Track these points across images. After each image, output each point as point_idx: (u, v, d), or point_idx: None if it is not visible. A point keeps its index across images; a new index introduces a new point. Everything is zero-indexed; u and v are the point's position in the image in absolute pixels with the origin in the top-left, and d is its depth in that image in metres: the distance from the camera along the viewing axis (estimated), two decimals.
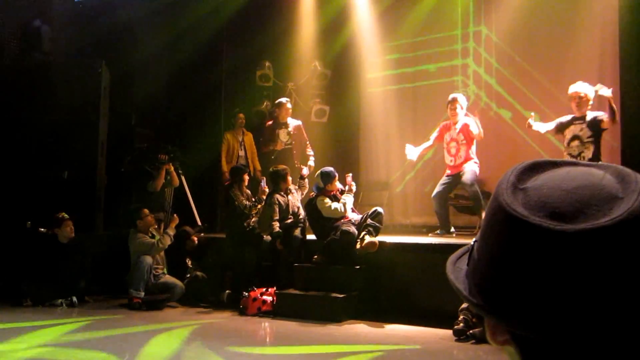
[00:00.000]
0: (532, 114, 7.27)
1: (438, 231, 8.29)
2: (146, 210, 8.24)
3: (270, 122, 9.42)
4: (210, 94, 10.32)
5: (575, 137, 7.02)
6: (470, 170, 7.90)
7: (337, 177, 7.62)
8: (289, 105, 9.28)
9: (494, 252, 0.80)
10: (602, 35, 8.79)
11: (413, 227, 9.74)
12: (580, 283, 0.74)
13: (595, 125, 6.94)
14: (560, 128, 7.18)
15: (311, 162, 8.97)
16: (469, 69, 9.85)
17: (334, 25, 10.40)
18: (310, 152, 9.14)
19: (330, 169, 7.66)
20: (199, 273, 8.21)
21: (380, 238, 7.37)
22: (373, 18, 10.39)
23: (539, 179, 0.83)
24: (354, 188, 7.72)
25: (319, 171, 7.67)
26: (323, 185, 7.52)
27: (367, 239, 7.23)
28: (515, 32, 9.24)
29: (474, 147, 8.03)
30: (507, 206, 0.79)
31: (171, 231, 8.16)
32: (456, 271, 0.90)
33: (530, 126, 7.29)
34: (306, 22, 10.64)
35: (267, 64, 10.38)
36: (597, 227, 0.74)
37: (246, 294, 7.39)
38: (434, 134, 8.25)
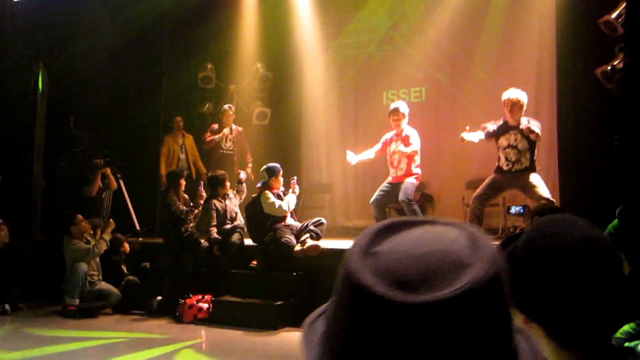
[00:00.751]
0: (467, 127, 7.29)
1: None
2: (79, 216, 8.09)
3: (214, 126, 9.46)
4: (151, 97, 10.19)
5: (511, 146, 7.07)
6: (408, 186, 7.76)
7: (281, 172, 7.62)
8: (231, 112, 9.31)
9: (342, 319, 0.78)
10: (539, 41, 8.95)
11: (355, 230, 9.79)
12: (420, 358, 0.73)
13: (526, 136, 7.03)
14: (493, 135, 7.21)
15: (249, 170, 8.96)
16: (407, 71, 9.92)
17: (277, 27, 10.38)
18: (249, 158, 9.12)
19: (276, 164, 7.68)
20: (132, 278, 8.10)
21: (320, 243, 7.40)
22: (315, 20, 10.38)
23: (391, 242, 0.80)
24: (297, 190, 7.71)
25: (263, 167, 7.66)
26: (268, 179, 7.51)
27: (310, 242, 7.25)
28: (454, 36, 9.34)
29: (417, 159, 7.89)
30: (353, 273, 0.76)
31: (107, 236, 8.04)
32: (311, 333, 0.87)
33: (463, 140, 7.25)
34: (248, 24, 10.58)
35: (210, 65, 10.30)
36: (438, 300, 0.72)
37: (182, 301, 7.35)
38: (377, 146, 8.12)
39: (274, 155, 10.02)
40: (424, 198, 9.46)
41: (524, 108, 7.05)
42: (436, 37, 9.54)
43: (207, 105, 10.38)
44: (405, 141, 7.84)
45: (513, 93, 7.09)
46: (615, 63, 6.31)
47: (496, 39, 9.22)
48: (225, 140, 9.40)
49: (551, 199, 6.96)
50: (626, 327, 1.58)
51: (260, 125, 10.43)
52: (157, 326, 7.16)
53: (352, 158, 8.05)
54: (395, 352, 0.73)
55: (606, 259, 1.23)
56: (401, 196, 7.70)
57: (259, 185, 7.69)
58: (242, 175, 8.38)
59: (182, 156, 9.62)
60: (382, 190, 8.05)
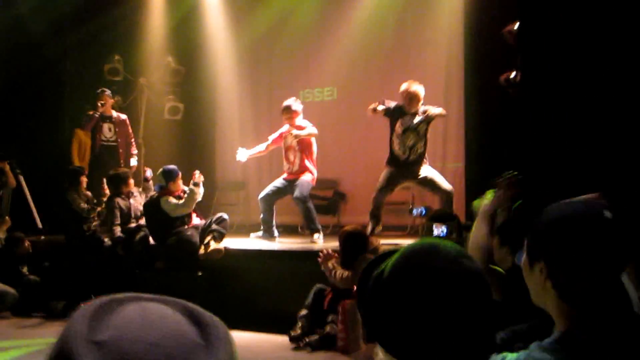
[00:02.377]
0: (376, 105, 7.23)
1: (260, 233, 7.99)
2: None
3: (92, 113, 8.83)
4: (54, 89, 9.74)
5: (410, 129, 7.08)
6: (303, 184, 7.65)
7: (180, 175, 7.35)
8: (110, 97, 8.83)
9: None
10: (448, 45, 9.06)
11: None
12: None
13: (428, 120, 7.08)
14: (390, 113, 7.16)
15: (134, 162, 8.60)
16: (320, 70, 9.86)
17: (188, 20, 10.14)
18: (134, 151, 8.77)
19: (173, 166, 7.39)
20: (32, 277, 7.73)
21: (226, 242, 7.30)
22: (227, 13, 10.19)
23: (115, 327, 0.71)
24: (200, 179, 7.33)
25: (159, 170, 7.39)
26: (166, 184, 7.26)
27: (213, 245, 7.09)
28: (365, 36, 9.33)
29: (313, 155, 7.81)
30: None
31: (2, 234, 7.65)
32: None
33: (374, 111, 7.15)
34: (156, 15, 10.28)
35: (117, 57, 9.91)
36: None
37: (83, 304, 7.03)
38: (270, 139, 8.00)
39: (187, 152, 9.84)
40: (338, 196, 9.45)
41: (421, 102, 7.08)
42: (349, 37, 9.50)
43: (115, 98, 9.99)
44: (298, 135, 7.69)
45: (411, 86, 7.10)
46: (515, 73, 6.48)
47: (407, 40, 9.31)
48: (105, 131, 8.76)
49: (450, 189, 7.03)
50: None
51: (173, 120, 10.16)
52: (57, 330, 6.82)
53: (242, 155, 7.87)
54: None
55: (473, 293, 1.19)
56: (296, 194, 7.60)
57: (155, 189, 7.44)
58: (149, 173, 8.08)
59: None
60: (275, 187, 7.87)
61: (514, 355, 1.45)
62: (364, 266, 1.29)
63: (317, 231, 7.69)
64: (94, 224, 7.78)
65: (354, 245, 5.87)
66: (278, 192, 7.86)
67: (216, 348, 0.71)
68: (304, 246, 7.57)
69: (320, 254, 6.02)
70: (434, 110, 7.11)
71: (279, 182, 7.89)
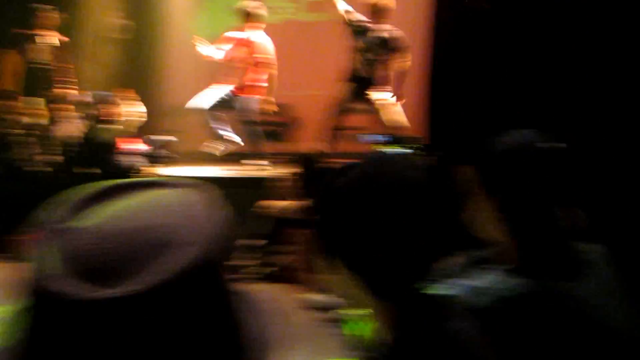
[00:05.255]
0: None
1: (219, 145, 7.57)
2: None
3: (26, 32, 8.07)
4: None
5: (371, 49, 6.66)
6: (250, 102, 7.19)
7: (114, 101, 6.91)
8: (51, 14, 8.05)
9: (24, 317, 0.64)
10: None
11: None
12: None
13: (392, 47, 6.63)
14: (353, 27, 6.70)
15: (72, 85, 8.00)
16: None
17: None
18: (73, 77, 8.15)
19: (107, 92, 7.02)
20: None
21: (175, 169, 7.02)
22: None
23: (94, 215, 0.67)
24: (138, 102, 6.94)
25: (93, 94, 6.93)
26: (99, 110, 6.84)
27: (161, 170, 6.95)
28: None
29: (264, 72, 7.26)
30: (33, 258, 0.64)
31: None
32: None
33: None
34: None
35: None
36: (125, 296, 0.60)
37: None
38: (227, 46, 7.33)
39: (131, 74, 9.21)
40: (291, 121, 9.04)
41: (389, 14, 6.64)
42: None
43: (53, 14, 9.20)
44: (256, 48, 7.13)
45: None
46: None
47: None
48: (40, 52, 8.00)
49: (403, 124, 6.74)
50: None
51: (117, 39, 9.48)
52: None
53: (206, 49, 7.25)
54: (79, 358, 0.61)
55: (423, 204, 1.19)
56: (241, 113, 7.15)
57: (91, 114, 6.98)
58: (87, 97, 7.55)
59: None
60: (222, 99, 7.29)
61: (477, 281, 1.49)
62: (320, 183, 1.30)
63: (264, 157, 7.29)
64: (31, 151, 7.28)
65: (312, 169, 5.77)
66: (223, 105, 7.31)
67: (187, 253, 0.63)
68: (251, 173, 7.26)
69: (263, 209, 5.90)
70: (400, 46, 6.62)
71: (224, 93, 7.29)
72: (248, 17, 7.14)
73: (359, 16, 6.76)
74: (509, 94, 5.26)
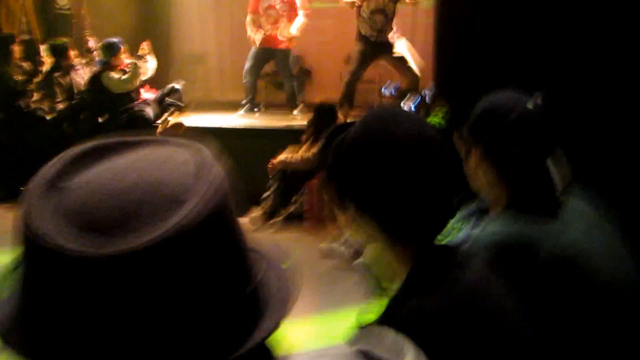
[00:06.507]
0: None
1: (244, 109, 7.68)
2: None
3: None
4: None
5: (379, 11, 6.53)
6: (288, 56, 7.32)
7: (122, 49, 6.73)
8: None
9: (24, 275, 0.63)
10: None
11: (230, 104, 9.09)
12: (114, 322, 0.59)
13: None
14: None
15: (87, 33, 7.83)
16: None
17: None
18: (86, 21, 7.95)
19: (115, 39, 6.75)
20: None
21: (185, 119, 6.87)
22: None
23: (90, 173, 0.64)
24: (148, 51, 6.79)
25: (100, 44, 6.75)
26: (108, 58, 6.65)
27: (172, 120, 6.74)
28: None
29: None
30: (28, 215, 0.61)
31: None
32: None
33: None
34: None
35: None
36: (131, 250, 0.58)
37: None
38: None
39: (139, 21, 8.97)
40: (302, 72, 8.84)
41: None
42: None
43: None
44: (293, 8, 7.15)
45: None
46: None
47: None
48: None
49: (417, 74, 6.63)
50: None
51: None
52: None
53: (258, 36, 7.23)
54: (84, 316, 0.59)
55: (434, 155, 1.23)
56: (282, 69, 7.29)
57: (97, 65, 6.86)
58: (91, 43, 7.38)
59: (24, 19, 8.30)
60: (256, 55, 7.34)
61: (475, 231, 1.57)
62: (329, 132, 1.32)
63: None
64: (33, 99, 7.12)
65: (326, 118, 5.65)
66: (260, 63, 7.44)
67: (191, 207, 0.61)
68: (263, 123, 7.16)
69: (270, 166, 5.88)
70: None
71: (256, 51, 7.34)
72: None
73: None
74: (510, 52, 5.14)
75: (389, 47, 6.64)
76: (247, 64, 7.47)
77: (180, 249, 0.60)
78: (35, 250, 0.61)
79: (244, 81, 7.63)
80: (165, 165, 0.65)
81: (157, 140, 0.71)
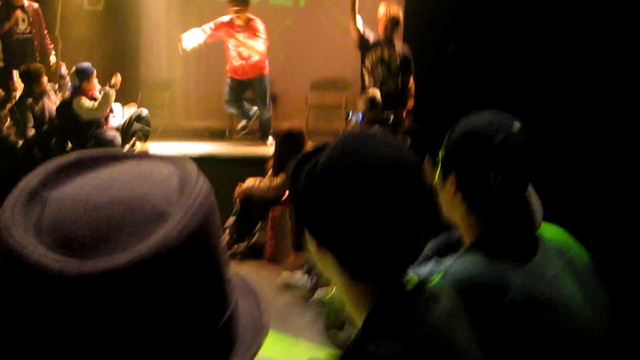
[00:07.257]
0: None
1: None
2: None
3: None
4: None
5: (382, 62, 6.55)
6: (266, 83, 7.45)
7: (94, 74, 6.82)
8: None
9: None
10: None
11: (195, 131, 9.20)
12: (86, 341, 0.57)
13: (405, 63, 6.53)
14: (362, 42, 6.55)
15: (52, 58, 7.89)
16: None
17: None
18: (50, 43, 7.98)
19: (87, 64, 6.83)
20: None
21: (151, 145, 6.97)
22: None
23: (72, 185, 0.63)
24: (117, 82, 6.85)
25: (73, 68, 6.82)
26: (79, 84, 6.73)
27: (138, 145, 6.83)
28: None
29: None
30: (5, 227, 0.59)
31: None
32: None
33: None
34: None
35: None
36: (110, 269, 0.56)
37: None
38: (208, 28, 7.35)
39: (107, 47, 9.07)
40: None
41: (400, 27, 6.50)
42: None
43: None
44: (255, 33, 7.20)
45: (390, 8, 6.48)
46: None
47: None
48: (19, 22, 7.68)
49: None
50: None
51: (92, 11, 9.29)
52: None
53: (189, 42, 7.27)
54: (60, 334, 0.58)
55: (407, 186, 1.13)
56: (260, 98, 7.46)
57: (69, 90, 6.92)
58: (63, 69, 7.44)
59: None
60: (232, 89, 7.48)
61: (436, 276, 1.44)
62: (296, 161, 1.24)
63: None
64: (6, 125, 7.17)
65: (293, 145, 5.45)
66: (238, 93, 7.55)
67: (174, 224, 0.60)
68: (231, 151, 7.32)
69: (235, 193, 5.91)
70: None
71: (232, 81, 7.49)
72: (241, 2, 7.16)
73: (367, 31, 6.58)
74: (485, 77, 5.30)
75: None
76: (225, 98, 7.63)
77: (166, 265, 0.59)
78: (12, 266, 0.58)
79: (228, 112, 7.85)
80: (149, 179, 0.64)
81: (141, 154, 0.70)
